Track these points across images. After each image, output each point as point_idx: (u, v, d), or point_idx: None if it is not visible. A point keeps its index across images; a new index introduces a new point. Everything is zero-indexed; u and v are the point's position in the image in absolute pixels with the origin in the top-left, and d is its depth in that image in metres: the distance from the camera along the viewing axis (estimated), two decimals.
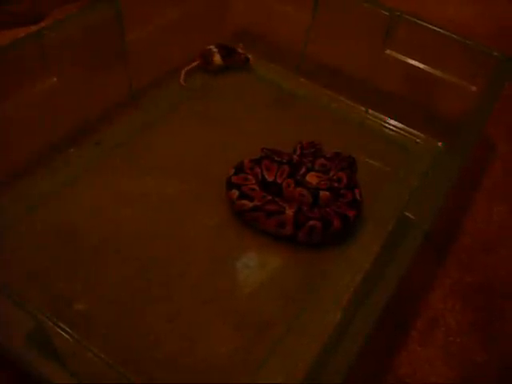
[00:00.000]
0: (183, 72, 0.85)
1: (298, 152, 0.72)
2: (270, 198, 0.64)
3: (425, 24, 0.75)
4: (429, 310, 0.62)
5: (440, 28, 0.75)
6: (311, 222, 0.62)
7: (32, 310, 0.55)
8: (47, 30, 0.65)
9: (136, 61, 0.77)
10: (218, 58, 0.86)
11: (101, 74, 0.73)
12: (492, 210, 0.74)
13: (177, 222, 0.66)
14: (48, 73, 0.66)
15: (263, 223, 0.64)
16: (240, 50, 0.87)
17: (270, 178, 0.68)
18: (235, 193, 0.65)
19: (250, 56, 0.88)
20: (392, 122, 0.83)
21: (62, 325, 0.54)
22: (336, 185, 0.67)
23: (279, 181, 0.67)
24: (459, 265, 0.67)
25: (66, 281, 0.59)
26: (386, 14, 0.76)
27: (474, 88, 0.74)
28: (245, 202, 0.64)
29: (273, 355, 0.55)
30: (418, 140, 0.81)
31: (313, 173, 0.69)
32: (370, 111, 0.84)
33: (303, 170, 0.69)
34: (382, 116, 0.83)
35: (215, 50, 0.86)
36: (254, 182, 0.67)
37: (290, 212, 0.62)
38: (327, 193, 0.66)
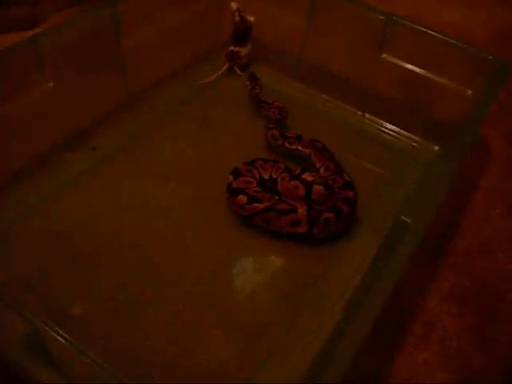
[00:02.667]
0: (212, 78, 0.87)
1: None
2: (277, 197, 0.65)
3: (421, 28, 0.75)
4: (425, 313, 0.62)
5: (436, 32, 0.75)
6: (325, 215, 0.63)
7: (28, 314, 0.54)
8: (43, 35, 0.65)
9: (134, 65, 0.77)
10: (243, 50, 0.88)
11: (98, 78, 0.73)
12: (489, 213, 0.75)
13: (175, 227, 0.66)
14: (44, 78, 0.66)
15: (276, 223, 0.64)
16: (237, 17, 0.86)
17: (266, 176, 0.69)
18: (243, 198, 0.65)
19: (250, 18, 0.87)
20: (389, 125, 0.83)
21: (58, 330, 0.54)
22: (330, 183, 0.68)
23: (275, 176, 0.69)
24: (456, 267, 0.67)
25: (63, 286, 0.59)
26: (383, 18, 0.76)
27: (470, 92, 0.74)
28: (256, 204, 0.64)
29: (272, 356, 0.55)
30: (414, 144, 0.81)
31: (307, 173, 0.70)
32: (367, 115, 0.84)
33: (298, 170, 0.70)
34: (379, 120, 0.83)
35: (233, 48, 0.88)
36: (255, 184, 0.68)
37: (302, 210, 0.63)
38: (321, 187, 0.67)
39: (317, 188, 0.67)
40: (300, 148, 0.74)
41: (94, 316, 0.57)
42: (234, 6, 0.85)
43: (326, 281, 0.62)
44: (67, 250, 0.62)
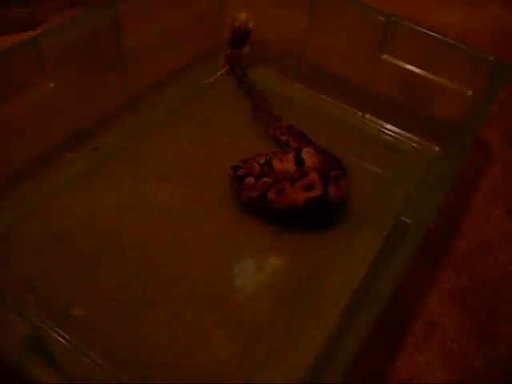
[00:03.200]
0: (213, 78, 0.87)
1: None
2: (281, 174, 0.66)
3: (421, 29, 0.75)
4: (426, 313, 0.62)
5: (436, 33, 0.75)
6: (333, 173, 0.65)
7: (28, 315, 0.54)
8: (44, 35, 0.65)
9: (135, 65, 0.77)
10: (245, 50, 0.88)
11: (99, 78, 0.73)
12: (490, 213, 0.75)
13: (176, 227, 0.66)
14: (45, 78, 0.66)
15: (290, 193, 0.64)
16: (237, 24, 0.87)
17: (262, 161, 0.70)
18: (251, 179, 0.65)
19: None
20: (389, 126, 0.83)
21: (58, 330, 0.54)
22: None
23: (270, 156, 0.71)
24: (456, 268, 0.67)
25: (63, 286, 0.59)
26: (383, 19, 0.76)
27: (470, 92, 0.74)
28: (265, 179, 0.65)
29: (272, 356, 0.55)
30: (414, 144, 0.81)
31: None
32: (367, 116, 0.84)
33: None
34: (379, 121, 0.83)
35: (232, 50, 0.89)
36: (257, 170, 0.69)
37: (313, 173, 0.64)
38: (311, 149, 0.69)
39: (307, 150, 0.69)
40: (277, 133, 0.76)
41: (94, 316, 0.57)
42: (242, 16, 0.85)
43: (326, 281, 0.62)
44: (68, 251, 0.62)
